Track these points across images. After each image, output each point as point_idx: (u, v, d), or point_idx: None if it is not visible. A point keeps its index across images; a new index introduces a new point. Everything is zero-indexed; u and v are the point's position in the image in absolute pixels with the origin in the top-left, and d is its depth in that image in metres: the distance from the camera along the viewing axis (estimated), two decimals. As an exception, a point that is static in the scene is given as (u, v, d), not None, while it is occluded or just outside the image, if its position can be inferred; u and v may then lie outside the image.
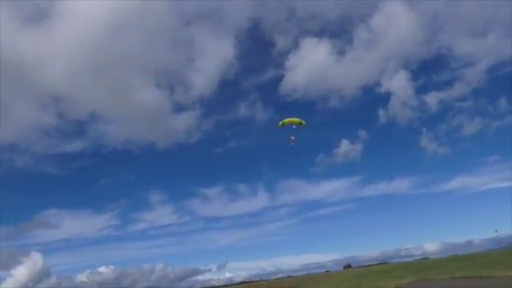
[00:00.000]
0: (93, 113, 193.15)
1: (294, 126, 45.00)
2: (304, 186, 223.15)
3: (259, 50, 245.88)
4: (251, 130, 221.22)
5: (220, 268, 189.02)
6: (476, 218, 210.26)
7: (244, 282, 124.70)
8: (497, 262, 51.16)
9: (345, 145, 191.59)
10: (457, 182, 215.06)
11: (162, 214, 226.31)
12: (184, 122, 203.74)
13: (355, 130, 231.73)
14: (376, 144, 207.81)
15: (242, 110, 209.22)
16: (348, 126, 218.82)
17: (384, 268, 74.72)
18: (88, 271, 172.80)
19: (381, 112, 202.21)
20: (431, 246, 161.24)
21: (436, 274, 55.70)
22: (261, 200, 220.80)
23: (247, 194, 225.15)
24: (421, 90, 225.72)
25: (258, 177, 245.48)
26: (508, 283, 34.35)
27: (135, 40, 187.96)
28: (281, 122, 45.66)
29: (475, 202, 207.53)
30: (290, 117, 44.92)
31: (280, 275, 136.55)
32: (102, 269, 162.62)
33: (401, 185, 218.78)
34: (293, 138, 46.00)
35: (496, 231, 64.91)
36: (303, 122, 46.33)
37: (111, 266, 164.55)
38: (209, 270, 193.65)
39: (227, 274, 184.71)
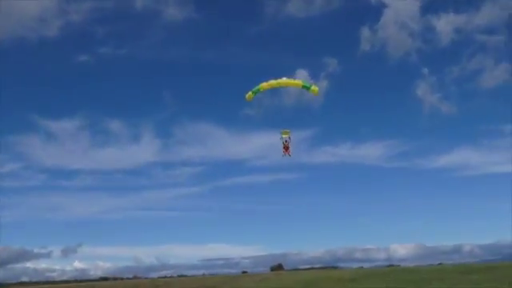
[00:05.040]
0: None
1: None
2: (223, 134, 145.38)
3: None
4: (151, 32, 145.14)
5: (67, 253, 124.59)
6: (473, 213, 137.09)
7: (105, 279, 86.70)
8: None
9: (301, 77, 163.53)
10: (454, 157, 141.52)
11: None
12: (37, 3, 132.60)
13: (321, 55, 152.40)
14: (349, 82, 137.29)
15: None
16: (311, 48, 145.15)
17: (343, 274, 65.83)
18: None
19: (365, 33, 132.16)
20: (402, 249, 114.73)
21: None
22: (147, 149, 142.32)
23: (124, 138, 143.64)
24: (430, 9, 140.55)
25: (147, 111, 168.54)
26: None
27: None
28: (251, 92, 25.90)
29: (475, 188, 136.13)
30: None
31: (165, 272, 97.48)
32: None
33: (373, 151, 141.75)
34: (286, 137, 27.86)
35: None
36: (314, 87, 26.53)
37: None
38: (48, 256, 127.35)
39: (78, 264, 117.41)
